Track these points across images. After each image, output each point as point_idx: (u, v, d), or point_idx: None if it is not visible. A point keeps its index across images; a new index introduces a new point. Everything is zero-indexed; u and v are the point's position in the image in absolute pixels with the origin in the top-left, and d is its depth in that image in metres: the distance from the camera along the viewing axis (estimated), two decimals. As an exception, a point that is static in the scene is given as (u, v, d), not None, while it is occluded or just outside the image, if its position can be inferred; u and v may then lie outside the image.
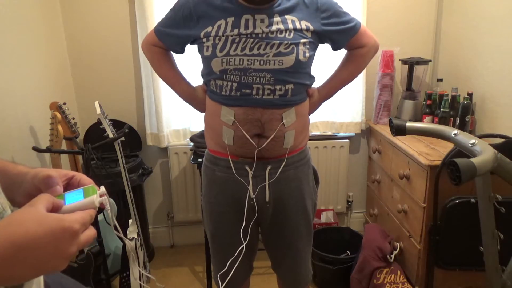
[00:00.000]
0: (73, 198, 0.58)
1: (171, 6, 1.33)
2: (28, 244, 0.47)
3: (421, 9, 2.35)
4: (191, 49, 1.37)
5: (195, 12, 1.25)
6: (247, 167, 1.29)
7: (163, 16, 1.36)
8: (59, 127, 1.70)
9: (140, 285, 1.67)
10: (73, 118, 1.81)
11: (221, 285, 1.32)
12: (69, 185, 0.63)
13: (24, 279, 0.53)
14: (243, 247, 1.27)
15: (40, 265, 0.49)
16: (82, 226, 0.52)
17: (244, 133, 1.23)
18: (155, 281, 0.89)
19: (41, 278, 0.63)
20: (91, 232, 0.55)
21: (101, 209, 0.61)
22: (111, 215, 0.67)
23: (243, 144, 1.26)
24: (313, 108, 1.43)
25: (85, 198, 0.58)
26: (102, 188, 0.61)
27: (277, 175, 1.30)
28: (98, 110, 1.58)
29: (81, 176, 0.64)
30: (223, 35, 1.20)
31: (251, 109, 1.23)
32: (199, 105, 1.41)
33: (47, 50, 1.99)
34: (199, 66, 1.33)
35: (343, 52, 1.44)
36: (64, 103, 1.78)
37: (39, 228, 0.48)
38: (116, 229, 0.71)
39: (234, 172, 1.29)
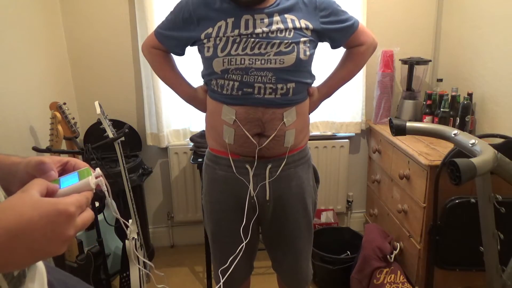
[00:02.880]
0: (68, 182, 0.57)
1: (171, 8, 1.33)
2: (24, 230, 0.47)
3: (421, 9, 2.35)
4: (191, 51, 1.38)
5: (195, 15, 1.25)
6: (247, 166, 1.29)
7: (163, 17, 1.36)
8: (59, 127, 1.70)
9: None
10: (73, 118, 1.81)
11: (221, 279, 1.32)
12: (65, 171, 0.62)
13: (24, 265, 0.52)
14: (243, 245, 1.27)
15: (38, 250, 0.49)
16: (78, 208, 0.51)
17: (245, 132, 1.24)
18: (153, 268, 0.89)
19: (44, 276, 0.63)
20: (88, 214, 0.54)
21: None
22: (109, 199, 0.65)
23: (244, 143, 1.26)
24: (313, 107, 1.43)
25: (80, 180, 0.57)
26: (98, 170, 0.60)
27: (277, 174, 1.30)
28: (98, 110, 1.58)
29: (76, 161, 0.63)
30: (223, 36, 1.20)
31: (252, 108, 1.23)
32: (200, 106, 1.42)
33: (47, 50, 1.99)
34: (199, 67, 1.33)
35: (342, 51, 1.45)
36: (64, 103, 1.78)
37: (33, 213, 0.47)
38: (117, 216, 0.69)
39: (235, 170, 1.29)
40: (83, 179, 0.57)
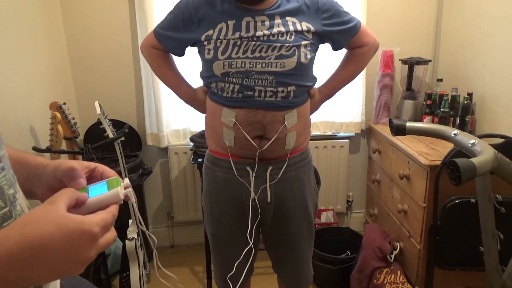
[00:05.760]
0: (97, 191, 0.54)
1: (171, 8, 1.32)
2: (44, 246, 0.45)
3: (421, 9, 2.35)
4: (191, 51, 1.37)
5: (195, 16, 1.24)
6: (248, 168, 1.28)
7: (163, 18, 1.35)
8: (59, 127, 1.70)
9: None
10: (73, 118, 1.81)
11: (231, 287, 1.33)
12: (91, 178, 0.60)
13: (40, 282, 0.50)
14: (251, 248, 1.27)
15: (56, 269, 0.47)
16: (103, 229, 0.49)
17: (245, 134, 1.23)
18: (176, 280, 0.90)
19: (57, 281, 0.61)
20: (111, 235, 0.51)
21: None
22: (135, 208, 0.64)
23: (244, 146, 1.25)
24: (314, 108, 1.42)
25: (109, 190, 0.55)
26: (127, 180, 0.58)
27: (278, 176, 1.29)
28: (98, 110, 1.58)
29: (103, 168, 0.61)
30: (224, 39, 1.19)
31: (252, 111, 1.22)
32: (200, 106, 1.41)
33: (47, 50, 1.99)
34: (199, 67, 1.33)
35: (343, 52, 1.44)
36: (64, 103, 1.78)
37: (56, 230, 0.45)
38: (140, 223, 0.68)
39: (235, 173, 1.29)
40: (112, 189, 0.55)
